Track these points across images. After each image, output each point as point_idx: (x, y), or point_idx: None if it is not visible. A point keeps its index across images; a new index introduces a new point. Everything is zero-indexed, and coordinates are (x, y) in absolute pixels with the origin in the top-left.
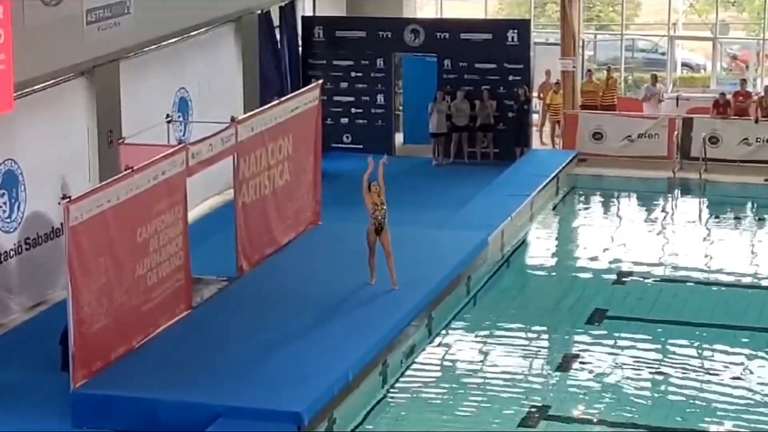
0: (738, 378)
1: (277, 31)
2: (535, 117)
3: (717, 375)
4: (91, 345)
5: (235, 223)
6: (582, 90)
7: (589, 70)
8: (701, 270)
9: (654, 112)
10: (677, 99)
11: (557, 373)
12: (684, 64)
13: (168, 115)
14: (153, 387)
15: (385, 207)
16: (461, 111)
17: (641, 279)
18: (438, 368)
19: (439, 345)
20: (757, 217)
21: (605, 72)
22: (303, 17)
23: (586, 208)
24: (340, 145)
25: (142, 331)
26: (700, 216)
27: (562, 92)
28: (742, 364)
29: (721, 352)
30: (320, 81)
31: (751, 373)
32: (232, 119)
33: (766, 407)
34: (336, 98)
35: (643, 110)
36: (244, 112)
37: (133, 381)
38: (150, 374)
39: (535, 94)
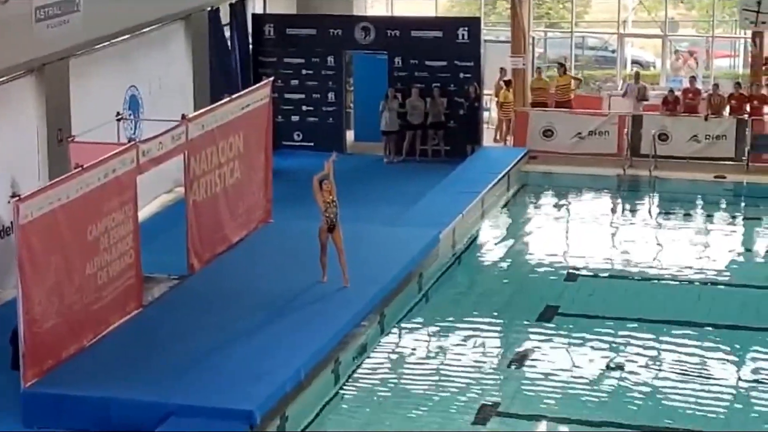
0: (689, 373)
1: (227, 29)
2: (488, 114)
3: (669, 370)
4: (42, 344)
5: (186, 221)
6: (532, 88)
7: (539, 68)
8: (651, 266)
9: (632, 109)
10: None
11: (509, 370)
12: (634, 62)
13: (118, 113)
14: (105, 386)
15: (336, 205)
16: (416, 108)
17: (592, 275)
18: (390, 366)
19: (392, 342)
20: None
21: (558, 69)
22: (253, 15)
23: (536, 206)
24: (291, 143)
25: (93, 330)
26: (650, 213)
27: (513, 90)
28: (693, 358)
29: (672, 347)
30: (271, 79)
31: (703, 368)
32: (183, 117)
33: (717, 402)
34: (287, 96)
35: (600, 107)
36: (195, 110)
37: (85, 380)
38: (101, 373)
39: (490, 91)
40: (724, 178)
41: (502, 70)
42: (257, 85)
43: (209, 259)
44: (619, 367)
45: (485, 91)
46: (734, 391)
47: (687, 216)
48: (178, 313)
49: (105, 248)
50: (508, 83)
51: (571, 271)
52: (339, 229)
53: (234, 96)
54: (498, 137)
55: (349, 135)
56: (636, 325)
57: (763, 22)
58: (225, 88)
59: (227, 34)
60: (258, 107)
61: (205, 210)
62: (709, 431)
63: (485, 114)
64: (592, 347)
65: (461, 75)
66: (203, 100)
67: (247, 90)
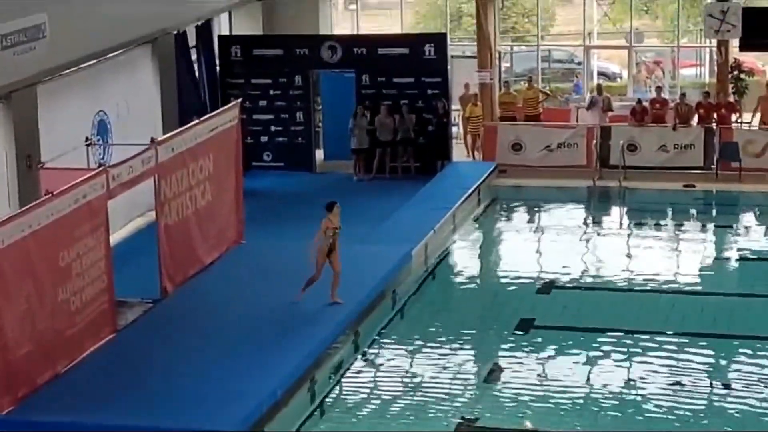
0: (664, 381)
1: (194, 51)
2: (456, 130)
3: (644, 380)
4: (15, 371)
5: (158, 245)
6: (500, 102)
7: (506, 82)
8: (624, 277)
9: (598, 121)
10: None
11: (486, 384)
12: (600, 73)
13: (87, 138)
14: (81, 412)
15: (339, 230)
16: (386, 126)
17: (565, 288)
18: (366, 383)
19: (367, 360)
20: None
21: (526, 83)
22: (219, 36)
23: (507, 219)
24: (261, 164)
25: (67, 356)
26: (621, 223)
27: (480, 104)
28: (668, 367)
29: (647, 357)
30: (239, 100)
31: (678, 375)
32: (152, 140)
33: (693, 409)
34: (255, 117)
35: (568, 119)
36: (164, 133)
37: (61, 407)
38: (77, 399)
39: (456, 106)
40: (694, 187)
41: (467, 85)
42: (225, 106)
43: (182, 281)
44: (595, 379)
45: (453, 107)
46: (709, 398)
47: (658, 226)
48: (152, 336)
49: (77, 274)
50: (475, 97)
51: (544, 283)
52: (337, 252)
53: (202, 118)
54: (468, 152)
55: (319, 154)
56: (611, 335)
57: (728, 31)
58: (193, 110)
59: (194, 56)
60: (227, 129)
61: (176, 233)
62: None
63: (454, 129)
64: (568, 359)
65: (429, 91)
66: (172, 123)
67: (215, 112)
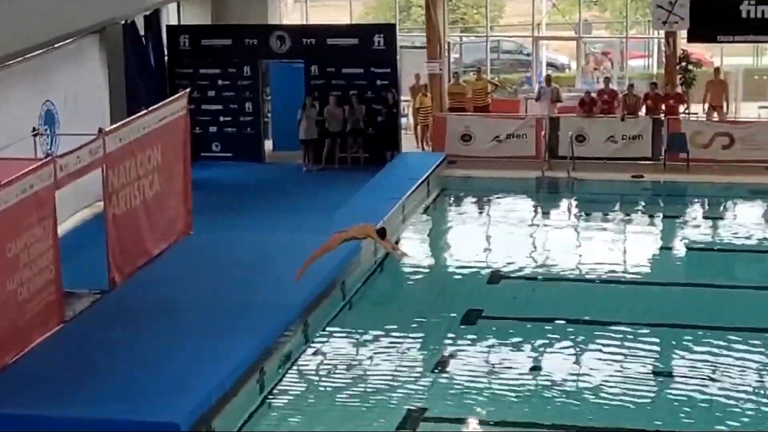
0: (612, 372)
1: (142, 41)
2: (405, 120)
3: (592, 371)
4: None
5: (106, 235)
6: (450, 92)
7: (455, 73)
8: (573, 267)
9: (547, 112)
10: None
11: (434, 375)
12: (549, 64)
13: (34, 129)
14: (30, 403)
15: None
16: (335, 116)
17: (514, 278)
18: (315, 374)
19: (316, 351)
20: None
21: (475, 74)
22: (168, 26)
23: (457, 210)
24: (209, 154)
25: (14, 347)
26: (569, 214)
27: (430, 95)
28: (616, 357)
29: (595, 347)
30: (187, 90)
31: (625, 366)
32: (100, 131)
33: (640, 399)
34: (204, 107)
35: (517, 110)
36: (112, 123)
37: (9, 397)
38: (26, 390)
39: (405, 97)
40: (642, 177)
41: (417, 76)
42: (174, 96)
43: (130, 272)
44: (543, 369)
45: (403, 98)
46: (656, 389)
47: (606, 216)
48: (100, 327)
49: (25, 264)
50: (425, 88)
51: (493, 273)
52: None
53: (150, 108)
54: (417, 143)
55: (268, 144)
56: (559, 325)
57: (676, 22)
58: (141, 100)
59: (142, 46)
60: (175, 119)
61: (125, 223)
62: (631, 428)
63: (403, 120)
64: (516, 349)
65: (378, 82)
66: (120, 114)
67: (163, 102)
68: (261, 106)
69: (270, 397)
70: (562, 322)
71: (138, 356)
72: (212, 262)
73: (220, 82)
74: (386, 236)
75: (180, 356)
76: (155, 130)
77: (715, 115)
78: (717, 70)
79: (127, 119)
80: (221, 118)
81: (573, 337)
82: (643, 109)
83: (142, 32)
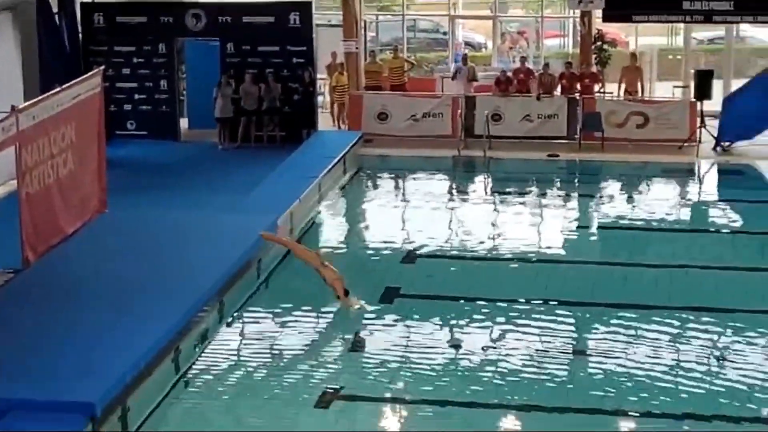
0: (529, 349)
1: (55, 18)
2: (322, 99)
3: (509, 349)
4: None
5: (20, 214)
6: (366, 71)
7: (372, 51)
8: (489, 246)
9: (463, 90)
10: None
11: (351, 354)
12: (466, 43)
13: None
14: None
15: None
16: (251, 94)
17: (431, 257)
18: (231, 353)
19: (232, 330)
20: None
21: (391, 53)
22: (82, 3)
23: (373, 189)
24: (124, 132)
25: None
26: (485, 193)
27: (346, 74)
28: (532, 335)
29: (511, 326)
30: (102, 68)
31: (543, 343)
32: (13, 108)
33: (557, 378)
34: (118, 85)
35: (433, 89)
36: (25, 101)
37: None
38: None
39: (322, 75)
40: (557, 156)
41: (334, 54)
42: (88, 74)
43: (44, 251)
44: (460, 347)
45: (319, 76)
46: (572, 366)
47: (522, 195)
48: (13, 307)
49: None
50: (341, 66)
51: (409, 252)
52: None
53: (65, 86)
54: (334, 121)
55: (183, 122)
56: (476, 304)
57: (591, 2)
58: (55, 78)
59: (56, 23)
60: (89, 97)
61: (38, 202)
62: (548, 406)
63: (319, 99)
64: (433, 327)
65: (294, 60)
66: (33, 92)
67: (77, 80)
68: (176, 84)
69: (186, 376)
70: (479, 300)
71: (51, 336)
72: (127, 240)
73: (135, 59)
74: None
75: (94, 336)
76: (69, 108)
77: (631, 99)
78: (633, 55)
79: (41, 97)
80: (136, 96)
81: (490, 315)
82: (559, 89)
83: (55, 9)
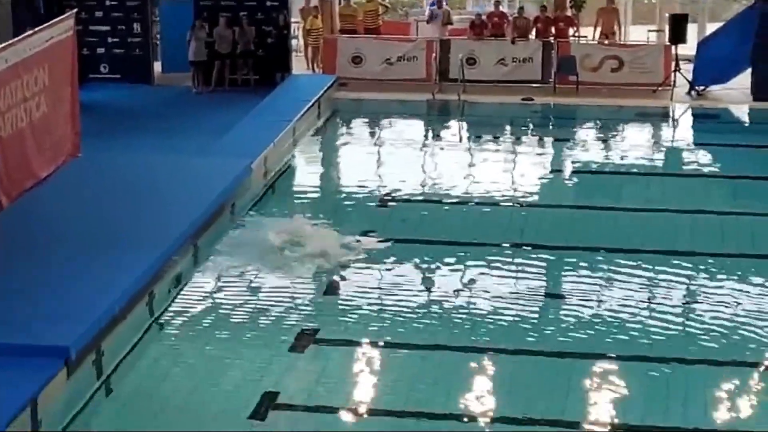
0: (502, 293)
1: None
2: (296, 42)
3: (483, 291)
4: None
5: None
6: (340, 14)
7: None
8: (463, 190)
9: (438, 34)
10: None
11: (325, 297)
12: None
13: None
14: None
15: None
16: (225, 38)
17: (404, 201)
18: (206, 297)
19: (206, 273)
20: None
21: None
22: None
23: (348, 132)
24: (97, 76)
25: None
26: (460, 137)
27: (321, 17)
28: (505, 279)
29: (484, 269)
30: (75, 10)
31: (516, 287)
32: None
33: (528, 321)
34: (92, 28)
35: (408, 33)
36: None
37: None
38: None
39: (296, 19)
40: (532, 100)
41: None
42: (60, 17)
43: (17, 195)
44: (433, 290)
45: (293, 19)
46: (546, 309)
47: (496, 139)
48: None
49: None
50: (315, 9)
51: (383, 196)
52: None
53: (37, 29)
54: (308, 65)
55: (157, 66)
56: (449, 248)
57: None
58: (27, 21)
59: None
60: (62, 40)
61: (11, 146)
62: (521, 349)
63: (293, 42)
64: (407, 271)
65: (268, 3)
66: (5, 34)
67: (50, 23)
68: (150, 27)
69: (161, 319)
70: (453, 245)
71: (25, 281)
72: (100, 184)
73: (107, 2)
74: None
75: (69, 280)
76: (42, 51)
77: (606, 42)
78: None
79: (13, 40)
80: (109, 40)
81: (464, 258)
82: (533, 32)
83: None
